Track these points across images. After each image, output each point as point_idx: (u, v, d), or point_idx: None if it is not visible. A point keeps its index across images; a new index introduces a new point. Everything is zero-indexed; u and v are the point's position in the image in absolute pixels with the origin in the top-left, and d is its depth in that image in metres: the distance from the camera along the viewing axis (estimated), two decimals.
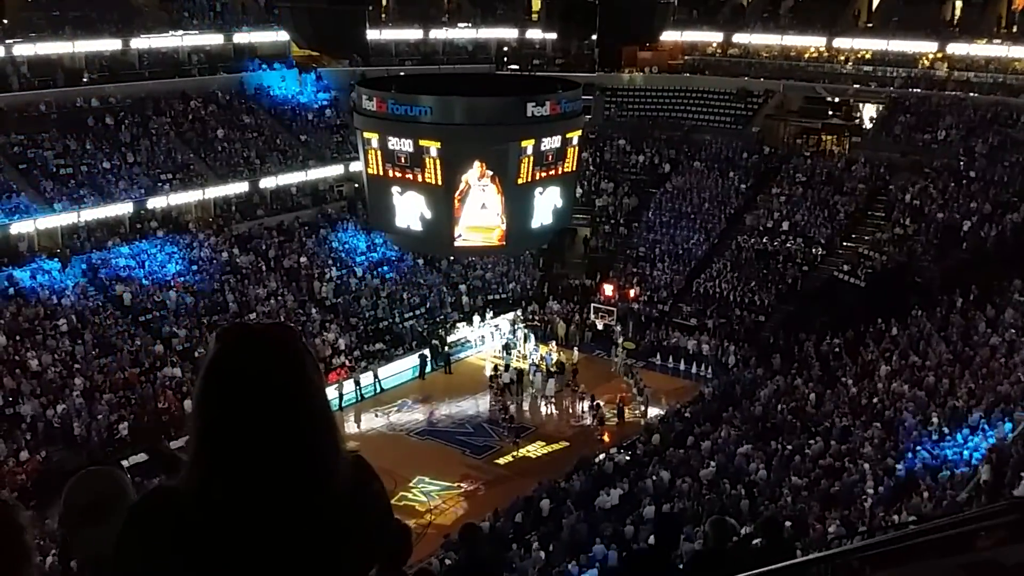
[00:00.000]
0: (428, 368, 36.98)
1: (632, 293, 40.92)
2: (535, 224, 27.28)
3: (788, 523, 16.14)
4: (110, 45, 41.62)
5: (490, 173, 25.71)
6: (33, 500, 25.79)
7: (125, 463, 22.74)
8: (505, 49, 54.17)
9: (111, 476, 2.52)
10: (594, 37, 47.45)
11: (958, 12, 48.17)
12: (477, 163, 25.65)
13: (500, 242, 27.32)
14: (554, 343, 38.79)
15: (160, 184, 38.90)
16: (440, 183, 25.65)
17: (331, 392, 33.74)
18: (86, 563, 2.41)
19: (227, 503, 1.77)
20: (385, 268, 41.19)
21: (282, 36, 45.01)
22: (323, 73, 48.13)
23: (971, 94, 44.30)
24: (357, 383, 34.85)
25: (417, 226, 26.73)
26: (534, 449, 31.56)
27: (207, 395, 1.83)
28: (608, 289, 40.87)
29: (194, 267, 37.23)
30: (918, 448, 23.24)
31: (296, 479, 1.79)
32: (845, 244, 40.55)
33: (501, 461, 30.92)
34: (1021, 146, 39.52)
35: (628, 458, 27.92)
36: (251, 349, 1.84)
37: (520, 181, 25.98)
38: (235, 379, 1.81)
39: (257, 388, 1.80)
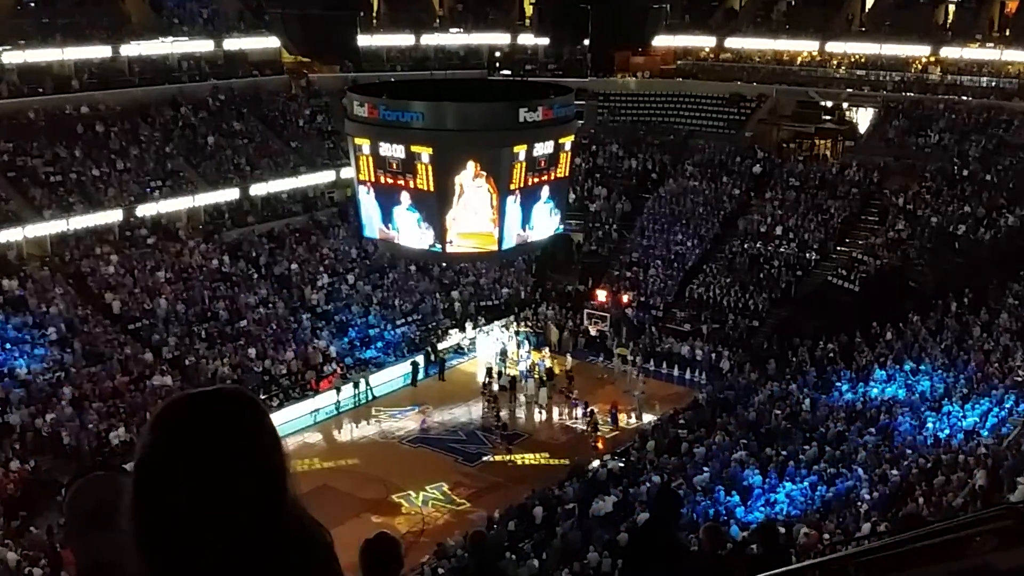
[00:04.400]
0: (420, 375, 36.81)
1: (625, 299, 40.77)
2: (527, 230, 27.17)
3: (783, 529, 16.02)
4: (100, 52, 41.43)
5: (484, 174, 25.58)
6: (22, 510, 25.68)
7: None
8: (497, 54, 54.10)
9: (115, 481, 2.41)
10: (586, 42, 47.82)
11: (951, 16, 48.24)
12: (471, 163, 25.53)
13: (492, 248, 27.19)
14: (547, 349, 38.64)
15: (150, 191, 38.71)
16: (432, 189, 25.56)
17: (324, 400, 33.78)
18: (87, 569, 2.32)
19: None
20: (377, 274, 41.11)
21: (273, 42, 45.00)
22: (314, 79, 48.07)
23: (964, 97, 44.31)
24: (355, 386, 34.81)
25: (408, 232, 26.61)
26: (527, 456, 31.38)
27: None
28: (601, 295, 40.75)
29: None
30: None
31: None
32: (839, 248, 40.45)
33: (493, 462, 30.89)
34: (1014, 149, 39.51)
35: (622, 465, 27.77)
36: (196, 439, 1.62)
37: (513, 187, 25.88)
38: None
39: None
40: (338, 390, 34.26)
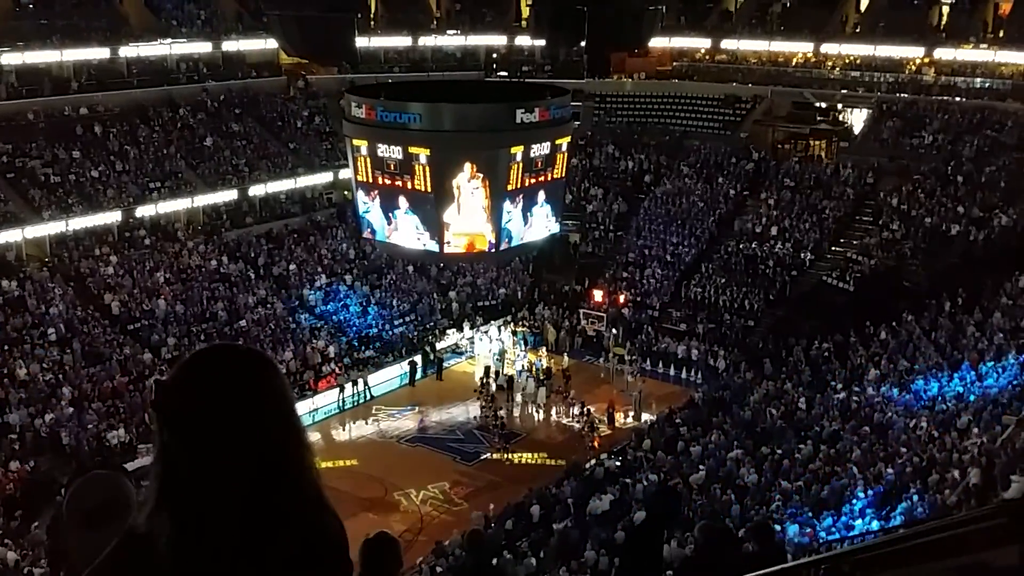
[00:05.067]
0: (418, 375, 36.96)
1: (622, 298, 40.92)
2: (524, 230, 27.27)
3: (778, 528, 16.18)
4: (98, 54, 41.56)
5: (480, 175, 25.69)
6: (21, 510, 25.78)
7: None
8: (494, 56, 54.25)
9: (115, 481, 2.54)
10: (583, 44, 47.86)
11: (945, 17, 48.45)
12: (468, 165, 25.65)
13: (488, 249, 27.29)
14: (544, 349, 38.77)
15: (149, 192, 38.82)
16: (429, 190, 25.67)
17: (323, 399, 33.93)
18: (83, 567, 2.41)
19: (201, 550, 1.68)
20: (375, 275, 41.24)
21: (271, 44, 44.98)
22: (312, 80, 48.16)
23: (958, 98, 44.52)
24: (355, 384, 34.99)
25: (406, 232, 26.71)
26: (525, 455, 31.53)
27: (174, 424, 1.75)
28: (598, 295, 40.87)
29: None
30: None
31: (272, 525, 1.71)
32: (834, 249, 40.63)
33: (491, 461, 31.02)
34: (1008, 150, 39.71)
35: (619, 464, 27.93)
36: (223, 371, 1.78)
37: (509, 187, 25.97)
38: (206, 406, 1.74)
39: (232, 416, 1.72)
40: (341, 388, 34.48)
